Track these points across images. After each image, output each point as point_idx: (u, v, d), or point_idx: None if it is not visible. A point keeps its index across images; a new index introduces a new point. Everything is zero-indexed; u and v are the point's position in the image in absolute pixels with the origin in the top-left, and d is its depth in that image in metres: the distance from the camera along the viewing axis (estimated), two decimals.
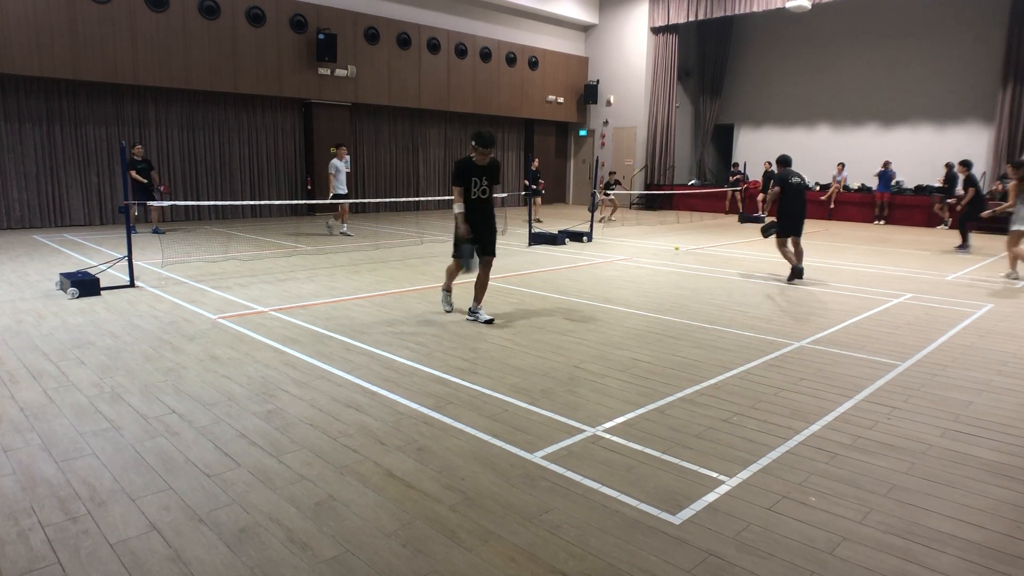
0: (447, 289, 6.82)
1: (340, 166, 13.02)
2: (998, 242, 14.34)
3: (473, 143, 6.02)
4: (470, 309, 6.55)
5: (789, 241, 8.88)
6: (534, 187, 15.96)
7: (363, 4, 17.67)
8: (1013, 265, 9.47)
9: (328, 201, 13.16)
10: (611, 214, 18.58)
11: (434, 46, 19.06)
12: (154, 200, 12.64)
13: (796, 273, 8.83)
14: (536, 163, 16.71)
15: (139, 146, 13.21)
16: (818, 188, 20.11)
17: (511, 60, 21.21)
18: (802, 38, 21.35)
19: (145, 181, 12.87)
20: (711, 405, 4.31)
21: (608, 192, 17.81)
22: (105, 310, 6.69)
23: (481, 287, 6.46)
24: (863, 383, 4.80)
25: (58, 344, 5.47)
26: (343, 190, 13.18)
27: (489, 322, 6.38)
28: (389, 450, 3.58)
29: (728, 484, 3.25)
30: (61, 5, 12.91)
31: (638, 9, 21.80)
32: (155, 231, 13.09)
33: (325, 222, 13.95)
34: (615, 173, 19.13)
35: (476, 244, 6.23)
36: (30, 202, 13.72)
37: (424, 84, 19.01)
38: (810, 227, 16.95)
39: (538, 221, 16.28)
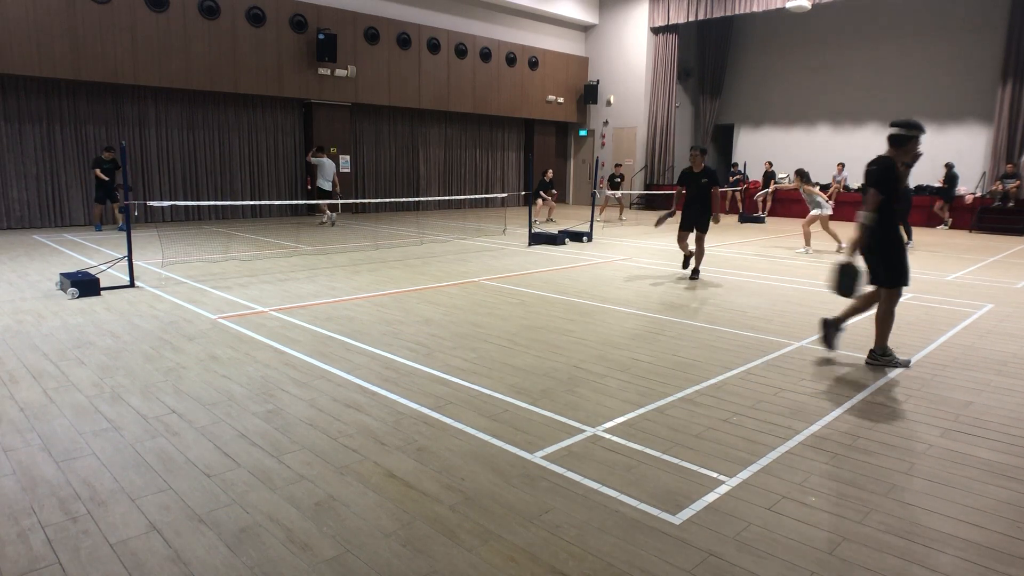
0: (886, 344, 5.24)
1: (323, 163, 15.21)
2: (999, 242, 14.33)
3: (902, 137, 4.93)
4: (877, 352, 5.23)
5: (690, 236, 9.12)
6: (549, 195, 17.29)
7: (363, 4, 17.68)
8: (808, 242, 12.50)
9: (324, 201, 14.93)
10: (620, 213, 18.59)
11: (434, 46, 19.06)
12: (116, 199, 13.34)
13: (685, 263, 9.40)
14: (550, 173, 17.49)
15: (109, 151, 13.31)
16: (818, 188, 20.11)
17: (511, 60, 21.21)
18: (802, 38, 21.36)
19: (107, 179, 13.13)
20: (711, 405, 4.31)
21: (614, 190, 17.83)
22: (105, 310, 6.69)
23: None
24: (863, 383, 4.80)
25: (58, 344, 5.47)
26: (326, 187, 15.31)
27: (908, 363, 5.25)
28: (389, 450, 3.58)
29: (728, 484, 3.25)
30: (61, 5, 12.91)
31: (638, 9, 21.80)
32: (121, 228, 13.26)
33: (331, 220, 15.47)
34: (620, 166, 18.90)
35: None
36: (30, 202, 13.72)
37: (424, 84, 19.02)
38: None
39: (550, 221, 16.67)
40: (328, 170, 15.23)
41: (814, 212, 12.22)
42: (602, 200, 18.53)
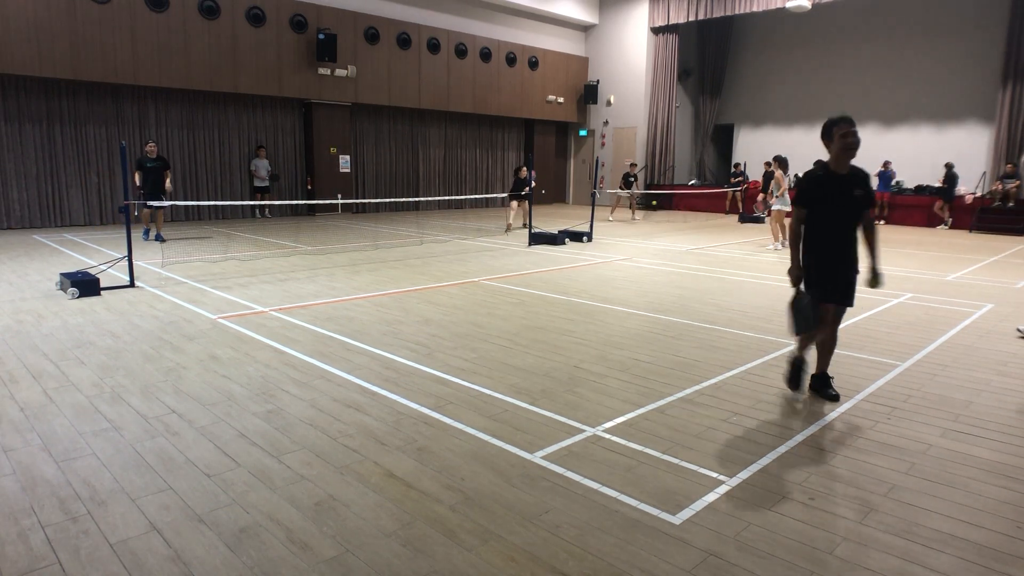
0: None
1: (258, 164, 16.43)
2: (999, 242, 14.33)
3: None
4: None
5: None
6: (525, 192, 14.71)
7: (363, 4, 17.67)
8: (776, 237, 12.60)
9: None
10: (632, 213, 18.55)
11: (434, 46, 19.06)
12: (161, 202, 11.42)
13: (795, 377, 4.49)
14: (524, 171, 14.77)
15: (153, 144, 11.84)
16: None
17: (511, 60, 21.21)
18: (802, 38, 21.35)
19: (139, 183, 11.51)
20: (711, 405, 4.31)
21: (627, 189, 17.77)
22: (105, 310, 6.69)
23: None
24: (863, 383, 4.80)
25: (58, 344, 5.47)
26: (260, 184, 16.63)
27: None
28: (389, 450, 3.58)
29: (728, 484, 3.25)
30: (61, 5, 12.91)
31: (638, 9, 21.80)
32: (156, 238, 11.89)
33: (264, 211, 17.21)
34: (635, 165, 18.70)
35: None
36: (30, 202, 13.72)
37: (424, 84, 19.01)
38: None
39: (509, 229, 14.86)
40: (261, 169, 16.49)
41: (778, 207, 12.34)
42: (615, 200, 18.45)
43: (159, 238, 11.98)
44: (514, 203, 14.82)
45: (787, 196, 12.21)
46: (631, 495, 3.13)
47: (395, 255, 10.84)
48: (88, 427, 3.82)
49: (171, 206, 15.01)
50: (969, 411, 4.30)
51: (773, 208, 12.50)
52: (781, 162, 12.34)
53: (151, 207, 11.54)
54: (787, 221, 12.32)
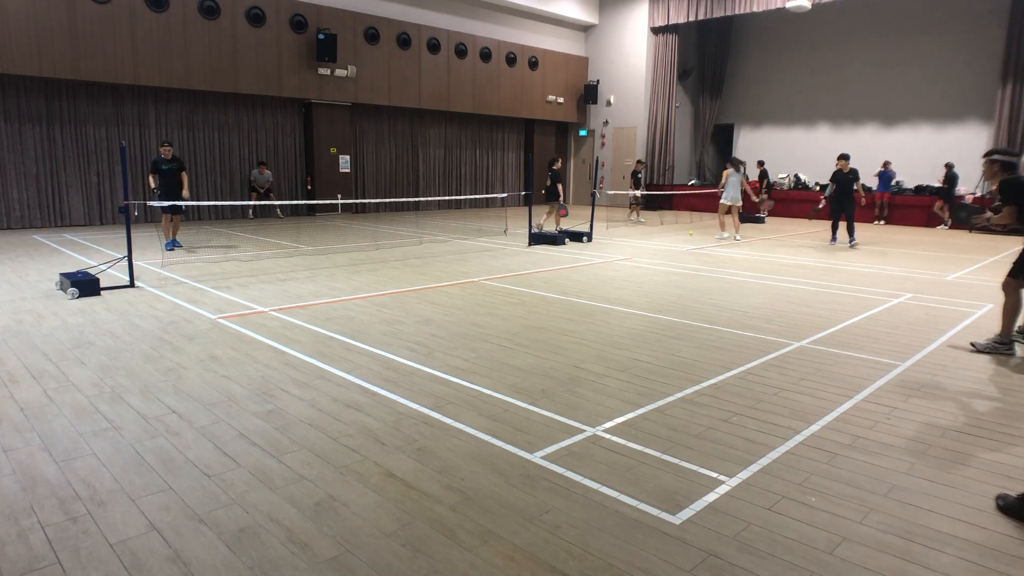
0: None
1: (257, 176, 16.63)
2: (999, 242, 14.33)
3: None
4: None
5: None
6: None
7: (363, 4, 17.68)
8: (722, 228, 13.88)
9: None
10: (637, 213, 18.52)
11: (434, 46, 19.06)
12: (179, 209, 10.88)
13: None
14: (559, 163, 14.31)
15: (167, 146, 10.70)
16: (818, 188, 20.10)
17: (511, 60, 21.21)
18: (802, 38, 21.35)
19: (153, 185, 10.57)
20: (711, 405, 4.31)
21: (636, 188, 17.77)
22: (105, 310, 6.68)
23: None
24: (863, 383, 4.80)
25: (58, 344, 5.46)
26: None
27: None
28: (389, 450, 3.59)
29: (728, 484, 3.25)
30: (61, 5, 12.91)
31: (638, 9, 21.80)
32: (171, 245, 11.04)
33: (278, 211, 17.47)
34: (641, 162, 18.62)
35: None
36: (30, 202, 13.72)
37: (424, 84, 19.01)
38: (810, 227, 16.95)
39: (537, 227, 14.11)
40: (260, 180, 16.67)
41: (728, 202, 13.42)
42: (634, 199, 18.23)
43: (175, 244, 11.15)
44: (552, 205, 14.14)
45: (735, 191, 13.35)
46: (631, 495, 3.13)
47: (395, 255, 10.84)
48: (88, 427, 3.82)
49: (171, 206, 14.97)
50: (970, 411, 4.30)
51: (721, 201, 13.62)
52: (733, 162, 13.56)
53: (167, 211, 10.65)
54: (732, 216, 13.64)
